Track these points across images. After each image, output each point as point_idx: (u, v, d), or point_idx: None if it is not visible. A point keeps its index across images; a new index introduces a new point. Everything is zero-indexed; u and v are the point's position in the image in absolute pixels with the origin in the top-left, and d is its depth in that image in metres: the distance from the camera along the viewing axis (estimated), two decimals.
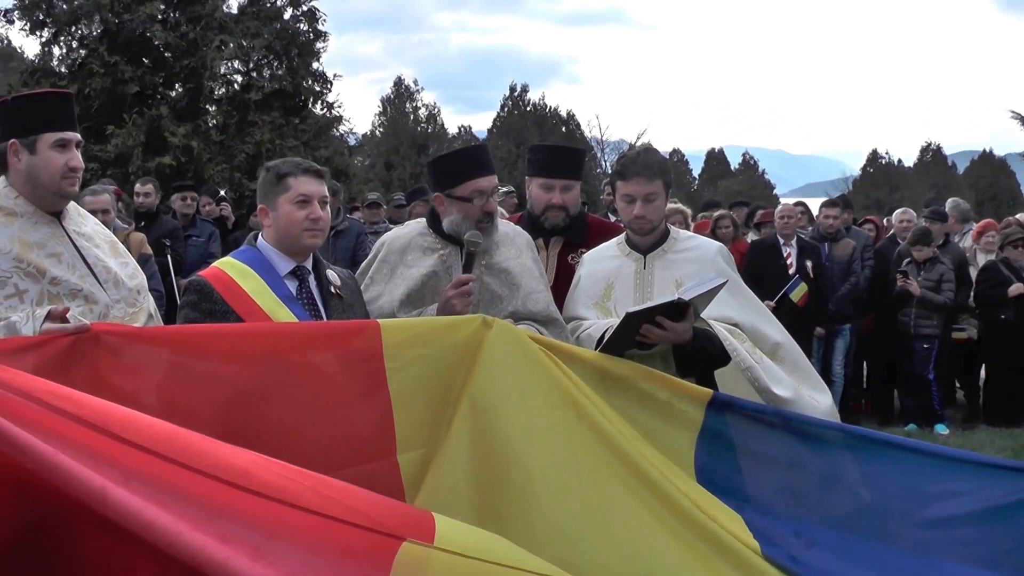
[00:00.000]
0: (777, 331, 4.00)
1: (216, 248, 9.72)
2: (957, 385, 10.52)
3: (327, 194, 3.63)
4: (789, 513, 3.34)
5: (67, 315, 3.10)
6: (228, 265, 3.59)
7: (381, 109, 45.55)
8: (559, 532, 3.05)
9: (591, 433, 3.22)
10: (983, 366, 10.36)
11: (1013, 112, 24.61)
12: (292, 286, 3.58)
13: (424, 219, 4.20)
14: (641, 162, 3.96)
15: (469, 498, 3.08)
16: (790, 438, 3.44)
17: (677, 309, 3.51)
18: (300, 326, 3.41)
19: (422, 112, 44.87)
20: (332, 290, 3.68)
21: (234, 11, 19.02)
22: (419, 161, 40.13)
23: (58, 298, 3.32)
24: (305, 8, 19.61)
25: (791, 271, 9.16)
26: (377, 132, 42.91)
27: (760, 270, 9.10)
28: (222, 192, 11.21)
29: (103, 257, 3.55)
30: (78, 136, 3.48)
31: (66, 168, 3.40)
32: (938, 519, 3.31)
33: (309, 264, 3.66)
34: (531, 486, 3.10)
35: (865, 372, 10.76)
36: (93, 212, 7.15)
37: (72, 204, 3.59)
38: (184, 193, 9.88)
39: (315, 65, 19.65)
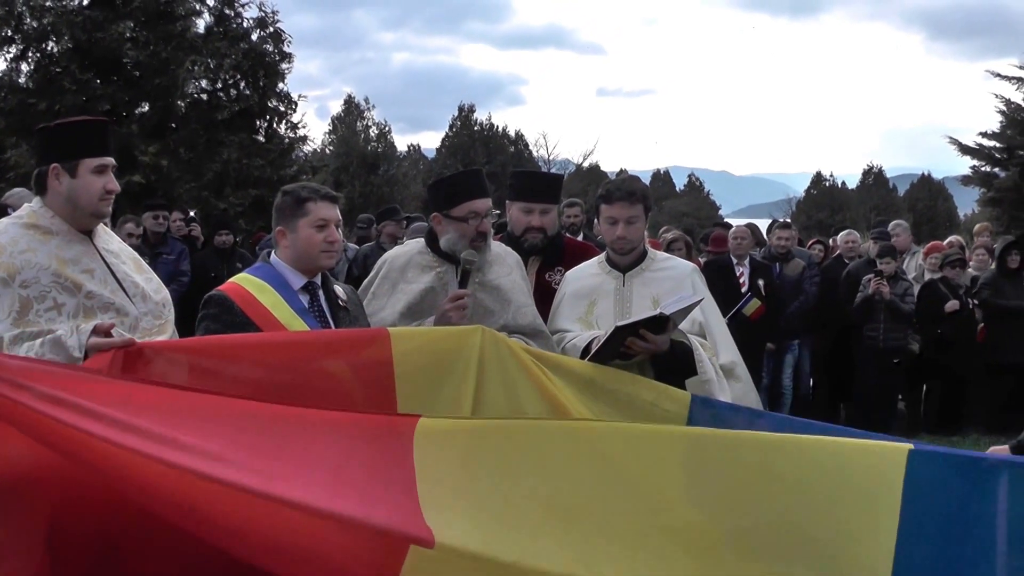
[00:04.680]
0: (734, 351, 4.30)
1: (186, 266, 9.83)
2: (899, 397, 11.02)
3: (340, 218, 3.90)
4: None
5: (112, 330, 3.29)
6: (245, 280, 3.82)
7: (331, 127, 45.42)
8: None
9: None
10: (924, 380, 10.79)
11: (950, 138, 25.55)
12: (305, 300, 3.82)
13: (423, 239, 4.45)
14: (624, 188, 4.25)
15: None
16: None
17: (658, 323, 3.77)
18: (318, 334, 3.66)
19: (372, 131, 44.78)
20: (340, 303, 3.92)
21: (200, 31, 19.12)
22: (369, 180, 39.90)
23: (92, 311, 3.47)
24: (271, 29, 19.80)
25: (743, 289, 9.45)
26: (327, 150, 42.61)
27: (714, 288, 9.45)
28: (192, 212, 11.37)
29: (130, 273, 3.71)
30: (113, 160, 3.67)
31: (103, 191, 3.58)
32: None
33: (319, 280, 3.89)
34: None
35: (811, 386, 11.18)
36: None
37: (100, 223, 3.75)
38: (156, 212, 9.98)
39: (280, 86, 19.88)
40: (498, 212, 4.60)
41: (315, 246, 3.78)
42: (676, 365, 3.98)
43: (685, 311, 3.88)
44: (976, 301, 10.13)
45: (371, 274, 4.47)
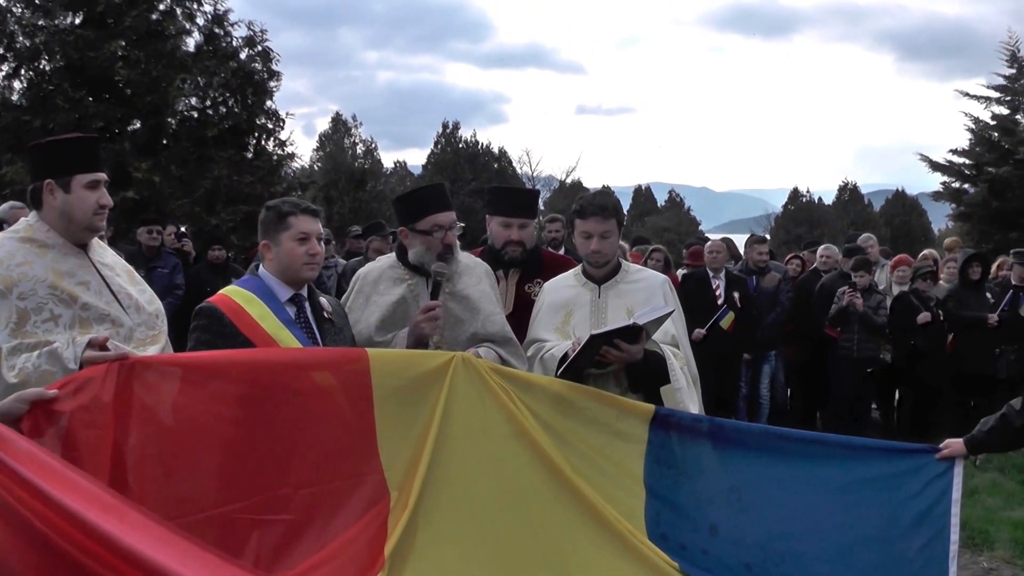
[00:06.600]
0: (693, 363, 4.42)
1: (180, 279, 10.04)
2: (874, 405, 11.20)
3: (322, 231, 4.04)
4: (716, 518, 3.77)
5: (107, 343, 3.37)
6: (234, 292, 3.93)
7: (318, 144, 45.51)
8: (500, 551, 3.49)
9: (539, 462, 3.63)
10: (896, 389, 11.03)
11: (921, 155, 25.99)
12: (291, 311, 3.94)
13: (394, 253, 4.58)
14: (598, 203, 4.35)
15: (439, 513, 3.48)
16: (723, 444, 3.83)
17: (632, 333, 3.90)
18: (303, 352, 3.77)
19: (359, 148, 44.84)
20: (325, 315, 4.05)
21: (191, 49, 19.26)
22: (357, 196, 40.01)
23: (88, 322, 3.55)
24: (260, 48, 19.97)
25: (719, 302, 9.66)
26: (315, 167, 42.64)
27: (691, 301, 9.67)
28: (183, 228, 11.57)
29: (124, 285, 3.80)
30: (105, 176, 3.76)
31: (97, 205, 3.68)
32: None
33: (305, 292, 4.03)
34: (482, 505, 3.54)
35: (788, 396, 11.34)
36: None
37: (94, 237, 3.83)
38: (150, 227, 10.23)
39: (268, 103, 20.02)
40: (463, 225, 4.75)
41: (298, 259, 3.92)
42: (649, 374, 4.10)
43: (658, 322, 4.01)
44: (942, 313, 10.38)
45: (347, 290, 4.59)
